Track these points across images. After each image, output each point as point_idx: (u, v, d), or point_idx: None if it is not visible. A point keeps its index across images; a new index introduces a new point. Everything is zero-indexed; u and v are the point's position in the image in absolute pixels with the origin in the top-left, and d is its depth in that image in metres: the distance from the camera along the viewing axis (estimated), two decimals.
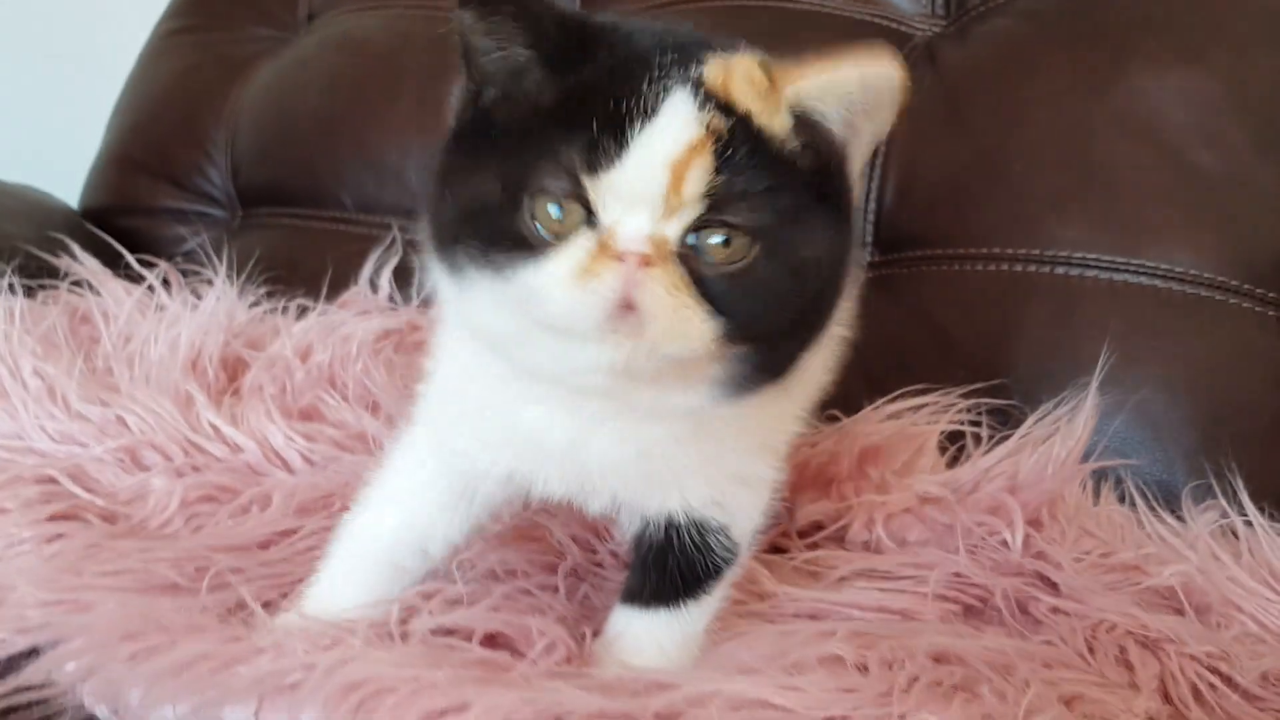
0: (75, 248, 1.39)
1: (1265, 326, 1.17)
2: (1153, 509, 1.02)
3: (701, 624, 0.75)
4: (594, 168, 0.55)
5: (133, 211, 1.83)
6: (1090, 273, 1.22)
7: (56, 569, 0.79)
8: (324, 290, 1.39)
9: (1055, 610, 0.83)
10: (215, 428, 1.03)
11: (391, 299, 1.37)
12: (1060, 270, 1.23)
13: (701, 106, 0.56)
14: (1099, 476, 1.06)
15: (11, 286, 1.17)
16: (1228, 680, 0.79)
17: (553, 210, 0.57)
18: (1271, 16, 1.25)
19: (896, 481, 0.97)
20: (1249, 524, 1.00)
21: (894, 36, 1.45)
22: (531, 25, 0.58)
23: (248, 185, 1.80)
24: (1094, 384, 1.05)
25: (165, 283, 1.30)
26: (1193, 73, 1.24)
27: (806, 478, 0.99)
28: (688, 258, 0.56)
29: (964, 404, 1.07)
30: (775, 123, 0.58)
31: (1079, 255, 1.22)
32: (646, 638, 0.73)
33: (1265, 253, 1.19)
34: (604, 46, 0.59)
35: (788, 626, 0.77)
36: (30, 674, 0.69)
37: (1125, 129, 1.24)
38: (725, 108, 0.57)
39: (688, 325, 0.56)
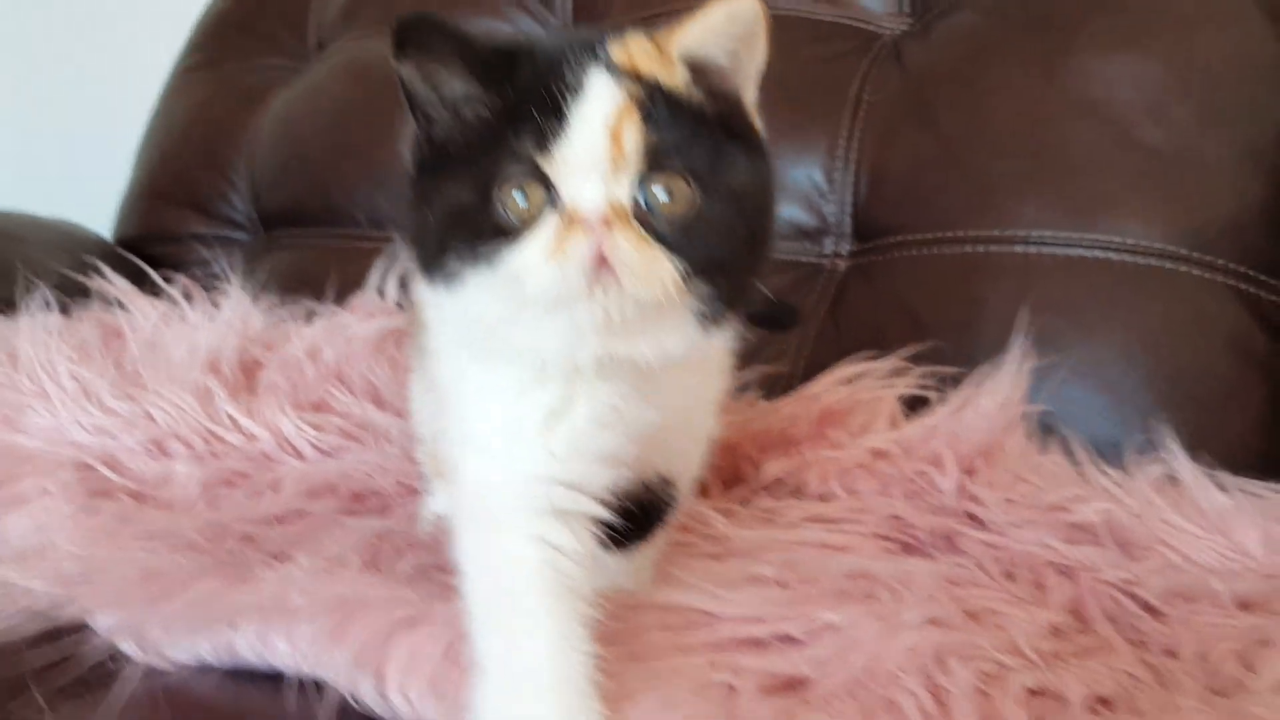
0: (106, 269, 1.55)
1: (1214, 292, 1.28)
2: (1095, 462, 1.13)
3: (650, 559, 0.88)
4: (545, 147, 0.66)
5: (162, 239, 2.01)
6: (1047, 249, 1.33)
7: (92, 532, 0.95)
8: (332, 298, 1.55)
9: (981, 544, 0.95)
10: (233, 419, 1.19)
11: (399, 304, 1.52)
12: (1019, 249, 1.35)
13: (617, 79, 0.68)
14: (1046, 432, 1.18)
15: (48, 302, 1.33)
16: (1139, 600, 0.91)
17: (518, 197, 0.66)
18: None
19: (851, 441, 1.09)
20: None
21: (864, 36, 1.58)
22: (463, 57, 0.69)
23: (268, 208, 1.97)
24: (1015, 345, 1.17)
25: (187, 296, 1.46)
26: (1138, 53, 1.36)
27: (771, 439, 1.12)
28: (642, 216, 0.66)
29: (918, 370, 1.19)
30: (677, 80, 0.69)
31: (1036, 233, 1.34)
32: (601, 575, 0.85)
33: (1213, 222, 1.30)
34: (525, 57, 0.70)
35: (731, 561, 0.89)
36: (66, 615, 0.84)
37: (1076, 111, 1.36)
38: (636, 78, 0.68)
39: (655, 268, 0.65)
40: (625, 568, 0.86)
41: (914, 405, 1.23)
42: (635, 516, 0.83)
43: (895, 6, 1.59)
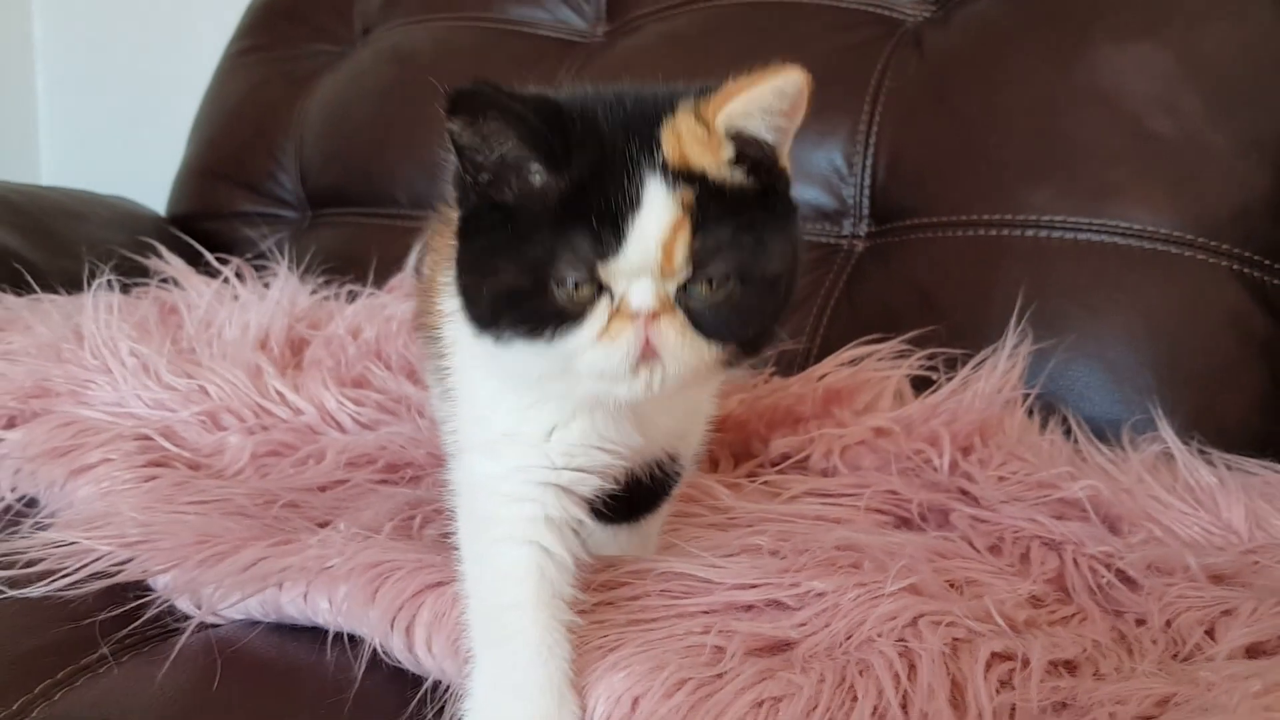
0: (163, 250, 1.65)
1: (1218, 276, 1.32)
2: (1091, 441, 1.18)
3: (656, 528, 0.95)
4: (603, 257, 0.68)
5: (214, 216, 2.11)
6: (1056, 233, 1.38)
7: (151, 498, 1.03)
8: (373, 278, 1.64)
9: (972, 519, 1.01)
10: (280, 394, 1.27)
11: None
12: (1030, 233, 1.40)
13: (671, 186, 0.69)
14: (1049, 412, 1.24)
15: (110, 283, 1.42)
16: (1120, 574, 0.97)
17: (574, 289, 0.69)
18: None
19: (855, 420, 1.16)
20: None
21: (888, 24, 1.63)
22: (518, 128, 0.69)
23: (315, 188, 2.06)
24: (1012, 327, 1.23)
25: (240, 276, 1.55)
26: (1150, 45, 1.40)
27: (779, 417, 1.19)
28: (685, 304, 0.70)
29: (923, 351, 1.25)
30: (723, 165, 0.71)
31: (1046, 218, 1.39)
32: (611, 543, 0.93)
33: (1219, 209, 1.34)
34: (582, 137, 0.70)
35: (733, 531, 0.96)
36: (128, 574, 0.93)
37: (1088, 100, 1.40)
38: (687, 175, 0.70)
39: (696, 354, 0.71)
40: (632, 539, 0.93)
41: (926, 385, 1.29)
42: (641, 493, 0.90)
43: None
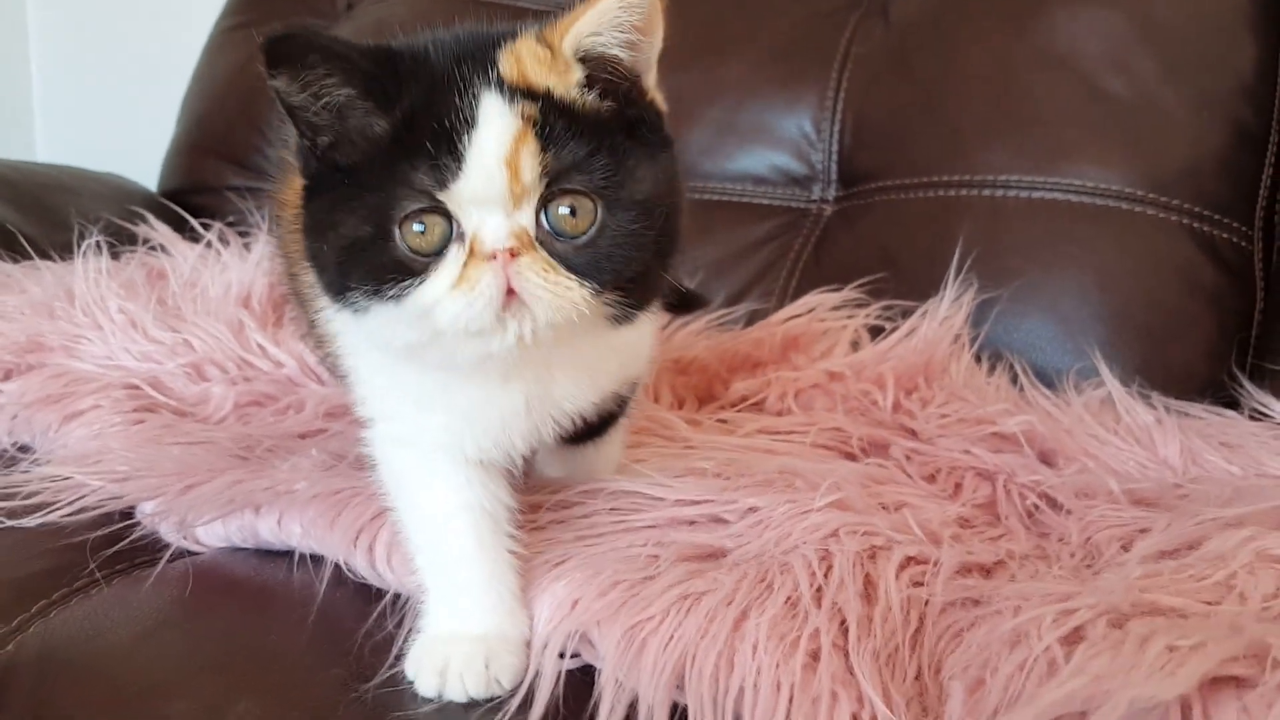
0: (150, 217, 1.73)
1: (1168, 230, 1.40)
2: (1035, 385, 1.26)
3: (618, 440, 1.01)
4: (443, 184, 0.65)
5: (203, 191, 2.18)
6: (1012, 192, 1.46)
7: (140, 439, 1.12)
8: None
9: (909, 451, 1.09)
10: (262, 347, 1.36)
11: None
12: (986, 192, 1.47)
13: (510, 101, 0.66)
14: (997, 360, 1.31)
15: (99, 245, 1.51)
16: (1048, 499, 1.04)
17: (419, 229, 0.66)
18: None
19: (810, 365, 1.24)
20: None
21: None
22: (342, 68, 0.66)
23: None
24: (952, 275, 1.30)
25: (223, 240, 1.64)
26: (1104, 8, 1.48)
27: (739, 362, 1.27)
28: (547, 242, 0.67)
29: (879, 302, 1.33)
30: (572, 87, 0.69)
31: (1002, 177, 1.47)
32: (575, 461, 1.00)
33: (1170, 166, 1.42)
34: (411, 70, 0.68)
35: (685, 459, 1.04)
36: (117, 505, 1.01)
37: (1044, 62, 1.48)
38: (529, 93, 0.67)
39: (566, 294, 0.67)
40: (598, 454, 0.99)
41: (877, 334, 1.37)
42: (603, 420, 0.96)
43: None
